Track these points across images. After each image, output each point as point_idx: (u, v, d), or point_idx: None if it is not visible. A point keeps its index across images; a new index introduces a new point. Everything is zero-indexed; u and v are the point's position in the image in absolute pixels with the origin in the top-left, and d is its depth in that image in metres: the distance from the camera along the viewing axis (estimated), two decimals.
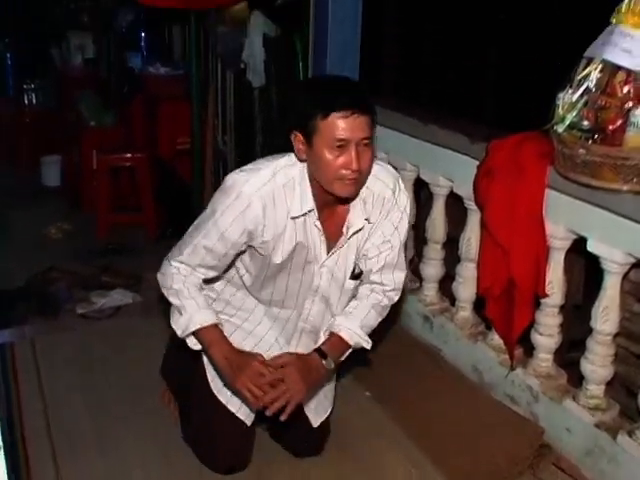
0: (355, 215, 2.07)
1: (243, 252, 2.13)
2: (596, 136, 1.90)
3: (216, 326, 2.13)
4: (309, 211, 2.02)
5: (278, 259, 2.08)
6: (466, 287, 2.59)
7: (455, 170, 2.50)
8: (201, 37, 4.34)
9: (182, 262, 2.12)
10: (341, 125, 1.86)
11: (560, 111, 1.98)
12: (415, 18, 2.83)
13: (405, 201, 2.12)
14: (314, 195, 2.01)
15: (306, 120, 1.90)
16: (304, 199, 2.01)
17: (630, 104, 1.88)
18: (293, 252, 2.07)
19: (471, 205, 2.45)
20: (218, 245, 2.06)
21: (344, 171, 1.89)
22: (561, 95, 1.98)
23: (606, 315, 2.10)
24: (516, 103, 2.43)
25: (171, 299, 2.15)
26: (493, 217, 2.20)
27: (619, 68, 1.90)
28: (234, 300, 2.27)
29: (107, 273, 3.79)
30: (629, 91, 1.90)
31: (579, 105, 1.95)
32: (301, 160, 2.00)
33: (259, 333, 2.27)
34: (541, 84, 2.27)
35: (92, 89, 5.60)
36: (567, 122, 1.96)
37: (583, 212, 2.05)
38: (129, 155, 4.47)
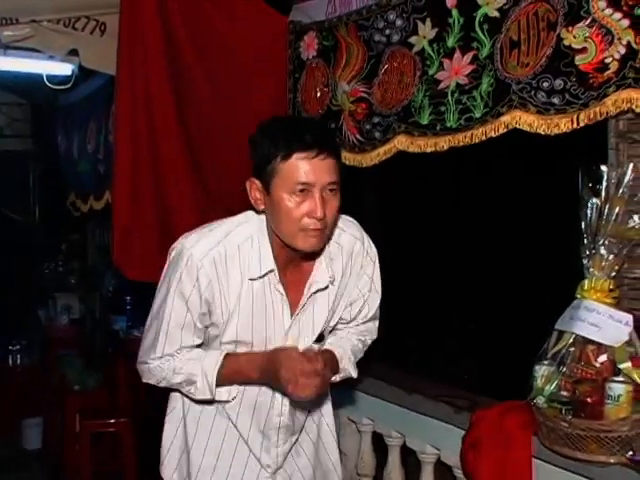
0: (320, 273, 1.85)
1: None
2: (576, 409, 1.94)
3: (227, 356, 1.86)
4: (269, 271, 1.79)
5: (231, 335, 1.85)
6: None
7: (441, 439, 2.49)
8: None
9: (161, 356, 1.88)
10: (304, 167, 1.65)
11: (538, 383, 2.03)
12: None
13: (375, 251, 1.98)
14: (274, 254, 1.79)
15: (264, 163, 1.69)
16: (264, 258, 1.79)
17: (605, 375, 1.95)
18: (250, 326, 1.85)
19: (460, 474, 2.42)
20: (189, 317, 1.82)
21: (307, 220, 1.68)
22: (538, 367, 2.04)
23: None
24: (497, 369, 2.50)
25: (174, 381, 1.90)
26: None
27: (590, 340, 1.99)
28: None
29: None
30: (603, 362, 1.98)
31: (556, 376, 2.01)
32: (258, 212, 1.80)
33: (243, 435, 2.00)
34: (519, 352, 2.35)
35: (76, 350, 5.66)
36: (546, 394, 2.00)
37: None
38: (113, 421, 4.43)
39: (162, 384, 1.95)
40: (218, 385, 1.88)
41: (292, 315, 1.88)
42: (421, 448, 2.60)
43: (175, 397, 2.07)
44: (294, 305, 1.88)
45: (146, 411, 4.66)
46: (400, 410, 2.63)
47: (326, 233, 1.77)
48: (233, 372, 1.87)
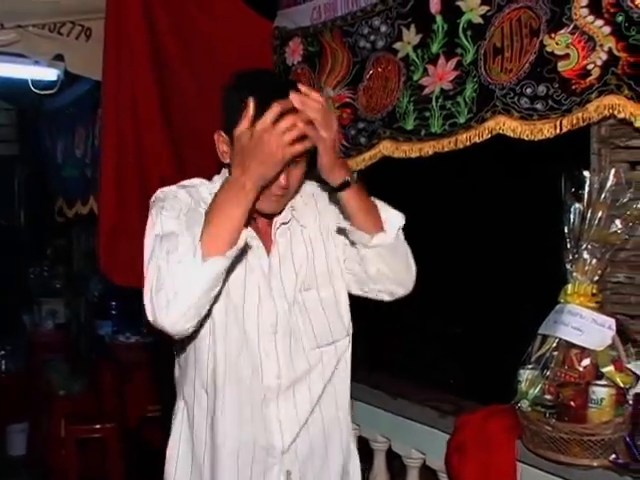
0: (283, 214, 1.86)
1: None
2: (560, 412, 1.95)
3: None
4: None
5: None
6: None
7: (427, 443, 2.50)
8: None
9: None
10: None
11: (522, 387, 2.04)
12: None
13: None
14: None
15: (234, 120, 1.62)
16: None
17: (588, 379, 1.96)
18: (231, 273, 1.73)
19: (445, 478, 2.43)
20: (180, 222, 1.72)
21: (270, 186, 1.69)
22: (522, 371, 2.06)
23: None
24: (482, 372, 2.51)
25: (186, 238, 1.63)
26: None
27: (574, 344, 2.00)
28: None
29: None
30: (586, 366, 1.99)
31: (540, 380, 2.02)
32: (224, 165, 1.81)
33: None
34: (504, 357, 2.37)
35: (62, 355, 5.64)
36: (530, 398, 2.01)
37: None
38: (98, 426, 4.42)
39: (172, 291, 1.61)
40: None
41: (268, 254, 1.85)
42: (406, 452, 2.61)
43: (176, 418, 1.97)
44: (268, 248, 1.87)
45: (129, 417, 4.67)
46: (386, 415, 2.64)
47: (287, 198, 1.80)
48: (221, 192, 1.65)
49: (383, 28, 2.61)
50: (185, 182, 1.90)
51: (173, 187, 1.86)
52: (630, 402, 1.84)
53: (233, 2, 3.23)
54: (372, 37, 2.66)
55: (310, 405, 1.92)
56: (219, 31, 3.18)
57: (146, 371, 4.64)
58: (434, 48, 2.42)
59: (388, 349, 2.91)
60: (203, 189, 1.87)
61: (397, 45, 2.56)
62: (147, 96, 3.11)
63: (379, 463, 2.77)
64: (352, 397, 2.79)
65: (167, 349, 2.00)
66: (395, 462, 2.78)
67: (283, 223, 1.89)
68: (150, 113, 3.13)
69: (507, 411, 2.13)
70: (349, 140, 2.81)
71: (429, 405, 2.46)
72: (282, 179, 1.70)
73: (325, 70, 2.88)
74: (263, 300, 1.84)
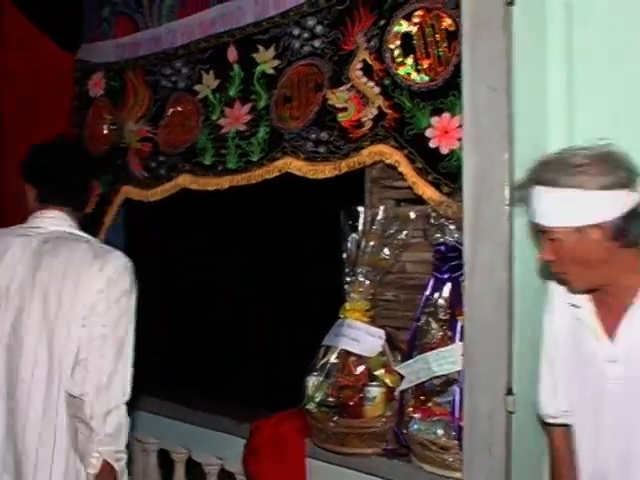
0: None
1: None
2: (341, 411, 2.28)
3: None
4: None
5: None
6: None
7: (225, 449, 2.72)
8: None
9: None
10: None
11: (309, 392, 2.36)
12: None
13: None
14: None
15: None
16: None
17: (363, 382, 2.32)
18: None
19: (242, 479, 2.67)
20: None
21: None
22: (309, 378, 2.37)
23: None
24: (275, 384, 2.79)
25: None
26: None
27: (352, 352, 2.35)
28: None
29: None
30: (362, 371, 2.35)
31: (324, 385, 2.35)
32: None
33: None
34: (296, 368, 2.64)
35: None
36: (316, 401, 2.33)
37: (340, 475, 2.34)
38: None
39: None
40: None
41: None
42: (206, 460, 2.81)
43: None
44: None
45: None
46: (186, 426, 2.82)
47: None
48: None
49: (184, 70, 2.84)
50: None
51: None
52: (397, 398, 2.20)
53: (33, 34, 3.29)
54: (174, 78, 2.88)
55: None
56: (19, 61, 3.24)
57: None
58: (231, 92, 2.68)
59: (190, 367, 3.10)
60: None
61: (197, 87, 2.80)
62: None
63: (179, 472, 2.94)
64: (151, 412, 2.95)
65: None
66: (195, 470, 2.97)
67: None
68: None
69: (297, 414, 2.42)
70: (149, 171, 2.99)
71: (227, 415, 2.69)
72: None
73: (127, 104, 3.04)
74: None
